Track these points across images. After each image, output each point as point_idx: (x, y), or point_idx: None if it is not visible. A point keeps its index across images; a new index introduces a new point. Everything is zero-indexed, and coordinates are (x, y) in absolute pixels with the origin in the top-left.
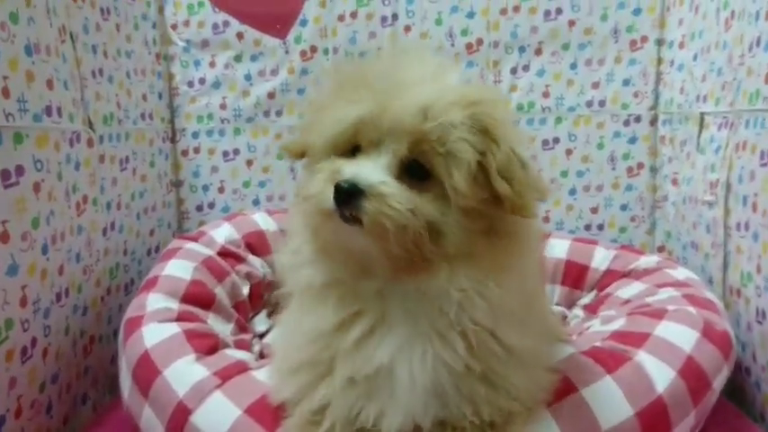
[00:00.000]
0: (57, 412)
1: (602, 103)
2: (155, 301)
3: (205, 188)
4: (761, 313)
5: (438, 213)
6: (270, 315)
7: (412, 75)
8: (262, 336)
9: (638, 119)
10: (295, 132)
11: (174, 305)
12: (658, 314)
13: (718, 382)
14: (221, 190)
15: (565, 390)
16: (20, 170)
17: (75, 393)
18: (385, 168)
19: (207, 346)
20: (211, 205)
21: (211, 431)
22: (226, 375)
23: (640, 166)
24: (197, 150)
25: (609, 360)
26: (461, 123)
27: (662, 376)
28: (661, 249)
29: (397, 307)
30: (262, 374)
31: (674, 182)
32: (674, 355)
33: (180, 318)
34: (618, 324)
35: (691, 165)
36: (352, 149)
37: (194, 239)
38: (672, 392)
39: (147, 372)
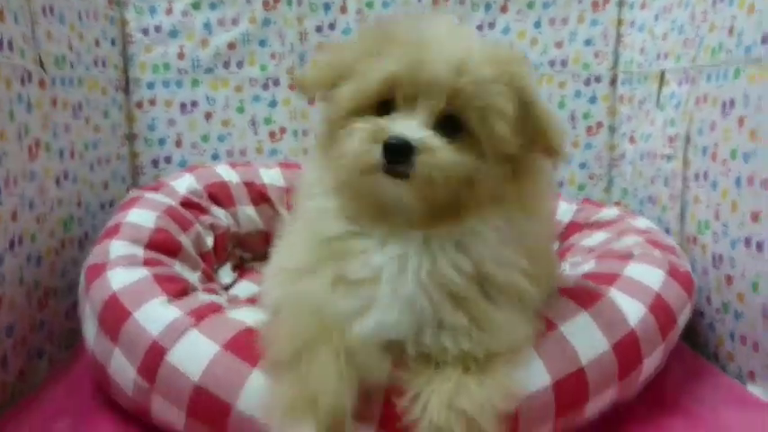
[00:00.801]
0: (12, 366)
1: (564, 63)
2: (118, 247)
3: (161, 142)
4: (717, 258)
5: (475, 163)
6: (235, 268)
7: (441, 33)
8: (227, 288)
9: (598, 79)
10: (310, 70)
11: (140, 252)
12: (625, 257)
13: (682, 320)
14: (178, 144)
15: (546, 327)
16: None
17: (31, 347)
18: (424, 124)
19: (177, 289)
20: (168, 159)
21: (189, 368)
22: (200, 315)
23: (599, 125)
24: (152, 102)
25: (584, 297)
26: (496, 80)
27: (633, 311)
28: (617, 206)
29: (406, 234)
30: (237, 314)
31: (632, 140)
32: (643, 293)
33: (146, 263)
34: (588, 267)
35: (650, 122)
36: (383, 105)
37: (154, 189)
38: (643, 327)
39: (115, 314)
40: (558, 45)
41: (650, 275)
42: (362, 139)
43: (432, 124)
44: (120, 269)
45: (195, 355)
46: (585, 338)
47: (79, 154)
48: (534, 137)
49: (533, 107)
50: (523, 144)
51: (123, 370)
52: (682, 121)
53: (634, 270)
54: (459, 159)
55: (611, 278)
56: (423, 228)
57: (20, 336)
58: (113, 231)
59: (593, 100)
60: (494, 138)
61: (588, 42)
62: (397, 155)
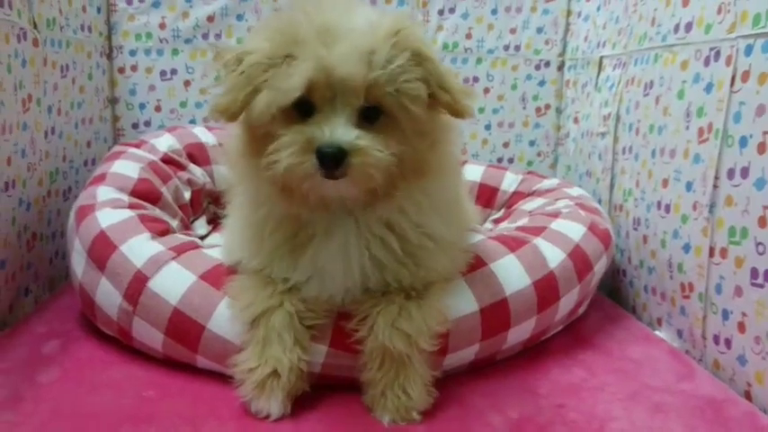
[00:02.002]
0: (3, 298)
1: (517, 48)
2: (105, 192)
3: (141, 106)
4: (636, 221)
5: (400, 146)
6: (209, 222)
7: (343, 21)
8: (202, 239)
9: (547, 64)
10: (221, 91)
11: (125, 197)
12: (554, 215)
13: (599, 267)
14: (158, 109)
15: (476, 265)
16: None
17: (19, 284)
18: (348, 121)
19: (159, 229)
20: (147, 123)
21: (168, 295)
22: (180, 250)
23: (547, 106)
24: (134, 68)
25: (512, 243)
26: (403, 57)
27: (554, 256)
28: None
29: (342, 220)
30: (212, 252)
31: (576, 120)
32: (564, 242)
33: (131, 207)
34: (522, 222)
35: (589, 103)
36: (302, 106)
37: (137, 146)
38: (561, 269)
39: (103, 248)
40: (513, 31)
41: (572, 229)
42: (294, 152)
43: (354, 119)
44: (108, 209)
45: (174, 283)
46: (510, 275)
47: (65, 112)
48: (437, 95)
49: (432, 66)
50: (429, 104)
51: (109, 297)
52: (614, 101)
53: (559, 225)
54: (388, 151)
55: (538, 230)
56: (360, 209)
57: (11, 271)
58: (100, 179)
59: (542, 83)
60: (412, 117)
61: (540, 30)
62: (332, 162)
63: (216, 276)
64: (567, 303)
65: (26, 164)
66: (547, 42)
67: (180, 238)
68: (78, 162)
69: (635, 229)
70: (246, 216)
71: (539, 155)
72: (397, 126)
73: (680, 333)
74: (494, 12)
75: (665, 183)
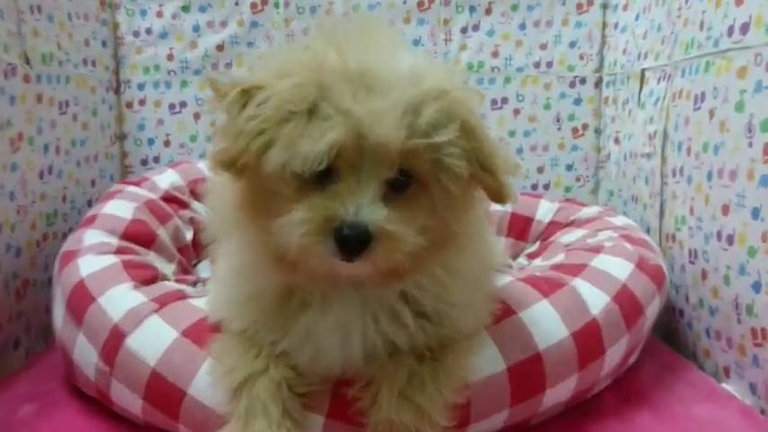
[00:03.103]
0: None
1: (549, 65)
2: (92, 236)
3: (150, 141)
4: (693, 254)
5: (428, 219)
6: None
7: (381, 69)
8: (205, 282)
9: (583, 81)
10: (224, 137)
11: (114, 241)
12: (596, 249)
13: (651, 311)
14: (167, 144)
15: (503, 313)
16: None
17: (7, 336)
18: (375, 195)
19: (145, 276)
20: (156, 159)
21: (147, 353)
22: (163, 302)
23: (585, 126)
24: (142, 102)
25: (545, 286)
26: (448, 124)
27: (596, 301)
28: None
29: (344, 290)
30: (200, 303)
31: (617, 140)
32: (609, 283)
33: (118, 251)
34: (558, 259)
35: (632, 121)
36: (322, 171)
37: (136, 184)
38: (606, 315)
39: (81, 299)
40: (543, 47)
41: (617, 267)
42: (309, 231)
43: (382, 190)
44: (91, 256)
45: (154, 340)
46: (544, 325)
47: (65, 150)
48: (479, 177)
49: (480, 144)
50: (467, 181)
51: (86, 355)
52: (659, 118)
53: (602, 262)
54: (416, 226)
55: (577, 269)
56: (372, 288)
57: None
58: (90, 221)
59: (578, 102)
60: (446, 193)
61: (573, 44)
62: (355, 247)
63: (200, 332)
64: (614, 355)
65: (15, 207)
66: (581, 57)
67: (167, 286)
68: (81, 202)
69: (691, 262)
70: (233, 271)
71: (577, 180)
72: (428, 198)
73: (753, 388)
74: (522, 27)
75: (726, 209)
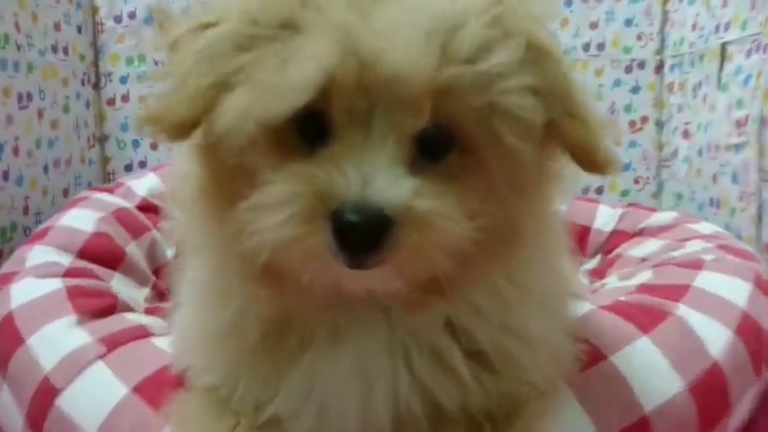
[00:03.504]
0: None
1: (600, 47)
2: (39, 254)
3: (135, 144)
4: None
5: (483, 203)
6: None
7: None
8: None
9: (641, 65)
10: (165, 87)
11: (66, 260)
12: (694, 264)
13: None
14: (154, 146)
15: (590, 358)
16: None
17: None
18: (397, 160)
19: (97, 307)
20: (142, 164)
21: (84, 419)
22: (115, 342)
23: (644, 119)
24: (125, 98)
25: (642, 316)
26: (509, 56)
27: (714, 335)
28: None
29: (363, 318)
30: (167, 342)
31: (686, 134)
32: (725, 310)
33: (68, 274)
34: (644, 277)
35: (709, 108)
36: (309, 124)
37: (109, 191)
38: (730, 358)
39: (7, 339)
40: (594, 26)
41: (731, 288)
42: (292, 218)
43: (406, 155)
44: (31, 279)
45: (94, 399)
46: (648, 374)
47: (27, 152)
48: (561, 125)
49: (558, 71)
50: (542, 140)
51: (11, 415)
52: (753, 99)
53: (708, 280)
54: (465, 214)
55: (677, 291)
56: (401, 313)
57: None
58: (39, 236)
59: (635, 90)
60: (510, 158)
61: (629, 23)
62: (365, 241)
63: (159, 386)
64: (741, 411)
65: None
66: (639, 38)
67: (125, 320)
68: (48, 214)
69: None
70: (198, 295)
71: (636, 182)
72: (482, 171)
73: None
74: (568, 3)
75: None
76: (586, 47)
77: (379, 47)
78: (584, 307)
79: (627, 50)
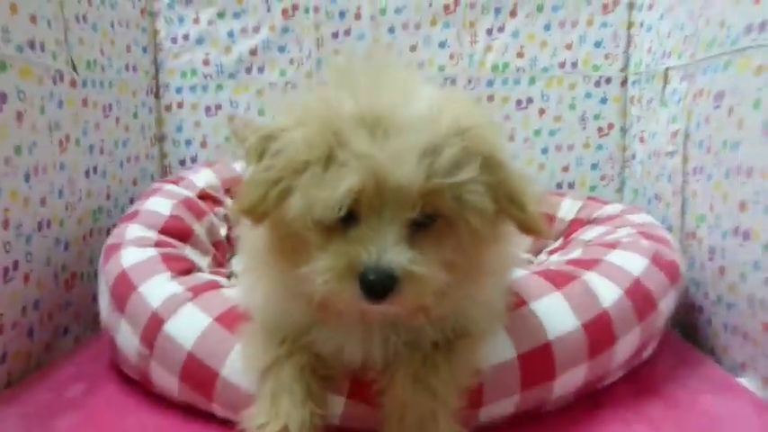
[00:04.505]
0: (38, 338)
1: (574, 65)
2: (134, 230)
3: (188, 143)
4: (711, 251)
5: (454, 253)
6: None
7: (397, 110)
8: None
9: (608, 80)
10: (246, 188)
11: (153, 235)
12: (612, 245)
13: (665, 305)
14: (204, 145)
15: (516, 305)
16: (3, 97)
17: (57, 324)
18: (398, 237)
19: (182, 268)
20: (194, 159)
21: (183, 338)
22: (198, 291)
23: (611, 126)
24: (180, 105)
25: (558, 279)
26: (471, 169)
27: (608, 293)
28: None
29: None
30: (232, 293)
31: (642, 139)
32: (622, 277)
33: (158, 245)
34: (575, 254)
35: (656, 120)
36: (346, 218)
37: (175, 183)
38: (617, 308)
39: (123, 288)
40: (568, 47)
41: (632, 262)
42: (333, 278)
43: (405, 231)
44: (133, 248)
45: (189, 325)
46: (555, 316)
47: (108, 151)
48: (507, 210)
49: (506, 176)
50: (494, 219)
51: (128, 339)
52: (682, 116)
53: (616, 257)
54: (442, 262)
55: (591, 264)
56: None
57: (46, 311)
58: (132, 216)
59: (603, 101)
60: (472, 227)
61: (598, 44)
62: (380, 291)
63: (232, 319)
64: (625, 347)
65: (64, 203)
66: (607, 57)
67: (201, 277)
68: (124, 200)
69: (710, 259)
70: (263, 295)
71: (602, 179)
72: (454, 234)
73: (766, 382)
74: (547, 28)
75: (743, 206)
76: (562, 65)
77: (389, 169)
78: (521, 273)
79: (596, 68)
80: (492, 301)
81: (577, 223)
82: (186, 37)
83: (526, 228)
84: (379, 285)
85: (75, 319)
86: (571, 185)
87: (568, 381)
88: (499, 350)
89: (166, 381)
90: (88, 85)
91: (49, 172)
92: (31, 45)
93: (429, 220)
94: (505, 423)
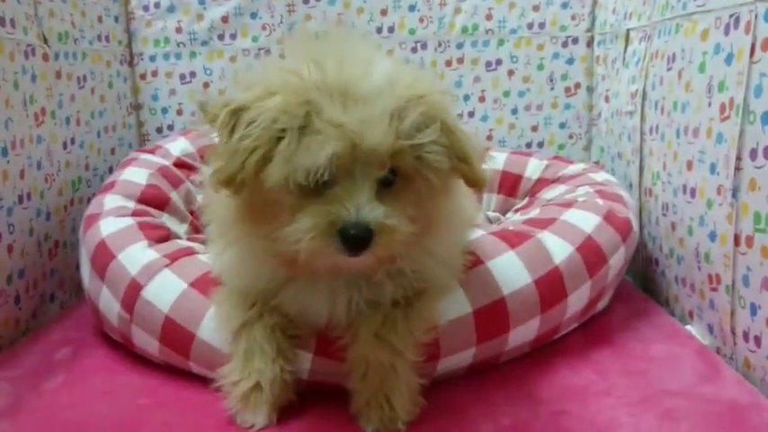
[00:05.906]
0: (25, 305)
1: (541, 26)
2: (112, 200)
3: (164, 111)
4: (665, 207)
5: (415, 208)
6: None
7: (362, 81)
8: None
9: (575, 40)
10: (220, 159)
11: (130, 204)
12: (568, 204)
13: (615, 260)
14: (179, 112)
15: (472, 264)
16: None
17: (43, 291)
18: (372, 194)
19: (159, 236)
20: (171, 127)
21: (161, 302)
22: (174, 257)
23: (577, 85)
24: (155, 74)
25: (513, 238)
26: (427, 123)
27: (560, 250)
28: (596, 164)
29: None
30: (206, 258)
31: (606, 99)
32: (574, 235)
33: (135, 214)
34: (533, 214)
35: (618, 81)
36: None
37: (151, 152)
38: (568, 264)
39: (103, 257)
40: (536, 8)
41: (584, 220)
42: (316, 236)
43: (375, 189)
44: (111, 218)
45: (166, 291)
46: (508, 273)
47: (85, 122)
48: (457, 166)
49: (457, 138)
50: (447, 174)
51: (109, 305)
52: (640, 77)
53: (571, 215)
54: (410, 222)
55: (546, 223)
56: (362, 273)
57: (31, 279)
58: (109, 187)
59: (570, 61)
60: (430, 184)
61: (565, 5)
62: (360, 244)
63: (206, 284)
64: (577, 300)
65: (43, 175)
66: (573, 18)
67: (178, 244)
68: (103, 170)
69: (664, 215)
70: (230, 259)
71: (570, 137)
72: (413, 190)
73: (710, 328)
74: None
75: (690, 165)
76: (530, 26)
77: (363, 134)
78: (478, 233)
79: (563, 29)
80: (449, 258)
81: (542, 183)
82: (158, 5)
83: (472, 181)
84: (359, 239)
85: (59, 287)
86: (540, 145)
87: (522, 333)
88: (456, 306)
89: (147, 343)
90: (61, 58)
91: (27, 146)
92: (2, 21)
93: (392, 178)
94: (463, 373)
